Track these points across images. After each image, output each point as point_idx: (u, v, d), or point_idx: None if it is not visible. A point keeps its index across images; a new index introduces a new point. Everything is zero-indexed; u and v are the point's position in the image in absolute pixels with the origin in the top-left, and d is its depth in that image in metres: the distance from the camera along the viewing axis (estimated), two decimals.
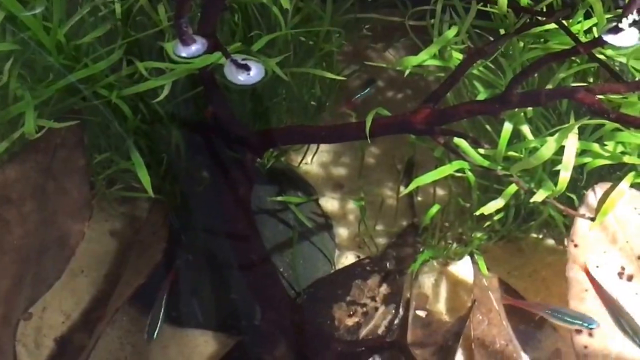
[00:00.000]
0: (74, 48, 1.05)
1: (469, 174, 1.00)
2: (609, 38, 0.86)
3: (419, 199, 1.15)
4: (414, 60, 1.00)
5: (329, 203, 1.16)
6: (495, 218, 1.04)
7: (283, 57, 1.02)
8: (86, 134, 1.09)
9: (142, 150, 1.09)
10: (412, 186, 1.00)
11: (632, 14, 0.89)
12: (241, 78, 0.96)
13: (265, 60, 0.98)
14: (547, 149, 0.91)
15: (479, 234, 1.08)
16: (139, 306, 1.06)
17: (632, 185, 1.00)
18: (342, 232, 1.14)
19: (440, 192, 1.10)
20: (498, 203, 0.97)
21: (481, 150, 1.00)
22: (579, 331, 0.95)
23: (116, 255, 1.13)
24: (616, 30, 0.86)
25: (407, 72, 1.01)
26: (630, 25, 0.86)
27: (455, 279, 1.09)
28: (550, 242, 1.10)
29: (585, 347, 0.99)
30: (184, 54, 0.92)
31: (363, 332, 1.02)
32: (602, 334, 0.98)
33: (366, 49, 1.27)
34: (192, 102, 1.11)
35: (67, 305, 1.11)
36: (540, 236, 1.10)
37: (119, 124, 1.11)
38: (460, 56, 1.02)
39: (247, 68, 0.92)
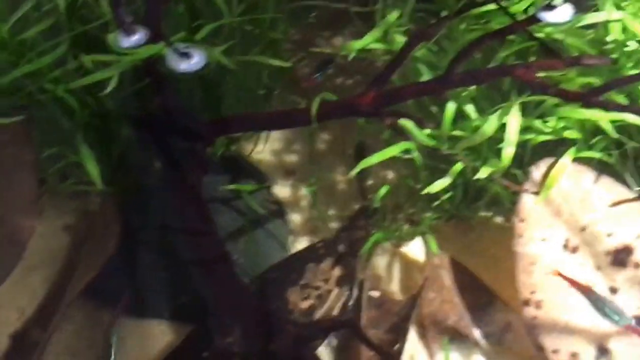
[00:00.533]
0: (19, 43, 1.07)
1: (416, 154, 1.03)
2: (543, 15, 0.89)
3: (370, 182, 1.18)
4: (357, 44, 1.04)
5: (282, 190, 1.19)
6: (444, 197, 1.08)
7: (228, 46, 1.04)
8: (35, 130, 1.11)
9: (93, 144, 1.11)
10: (358, 168, 1.04)
11: None
12: (183, 66, 0.97)
13: (210, 49, 1.01)
14: (489, 127, 0.95)
15: (429, 214, 1.11)
16: (94, 300, 1.07)
17: (574, 160, 1.03)
18: (295, 218, 1.17)
19: (390, 174, 1.14)
20: (444, 182, 1.01)
21: (427, 131, 1.04)
22: (526, 303, 0.98)
23: (69, 250, 1.14)
24: (550, 7, 0.90)
25: (351, 56, 1.04)
26: (565, 1, 0.90)
27: (407, 259, 1.13)
28: (499, 219, 1.13)
29: (534, 318, 1.03)
30: (126, 45, 0.94)
31: (318, 315, 1.06)
32: (549, 306, 1.02)
33: (315, 37, 1.30)
34: (141, 94, 1.13)
35: (21, 301, 1.12)
36: (490, 214, 1.13)
37: (69, 119, 1.13)
38: (403, 39, 1.04)
39: (188, 56, 0.93)
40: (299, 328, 1.01)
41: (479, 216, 1.14)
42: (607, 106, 0.91)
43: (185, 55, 0.93)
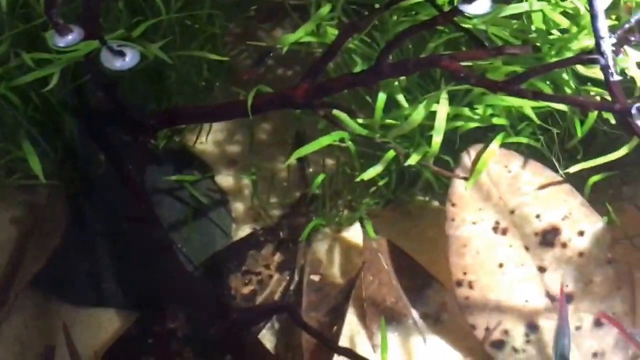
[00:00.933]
0: None
1: (350, 143, 1.07)
2: (464, 7, 0.94)
3: (311, 170, 1.22)
4: (292, 37, 1.07)
5: (224, 179, 1.24)
6: (380, 183, 1.14)
7: (167, 41, 1.07)
8: None
9: (37, 139, 1.15)
10: (293, 157, 1.08)
11: None
12: (117, 64, 1.00)
13: (148, 45, 1.05)
14: (417, 115, 0.99)
15: (366, 200, 1.15)
16: (43, 290, 1.10)
17: (503, 145, 1.07)
18: (238, 207, 1.22)
19: (329, 162, 1.18)
20: (377, 169, 1.04)
21: (360, 120, 1.08)
22: (459, 284, 1.03)
23: (17, 243, 1.18)
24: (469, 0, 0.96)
25: (285, 49, 1.07)
26: None
27: (347, 243, 1.17)
28: (436, 204, 1.17)
29: (467, 298, 1.08)
30: (61, 44, 0.97)
31: (259, 299, 1.11)
32: (481, 286, 1.07)
33: (256, 30, 1.33)
34: (84, 89, 1.17)
35: None
36: (427, 199, 1.17)
37: (13, 115, 1.16)
38: (336, 31, 1.08)
39: (122, 54, 0.97)
40: (240, 313, 1.06)
41: (416, 201, 1.18)
42: (526, 94, 0.96)
43: (119, 53, 0.96)
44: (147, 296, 1.15)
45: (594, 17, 0.98)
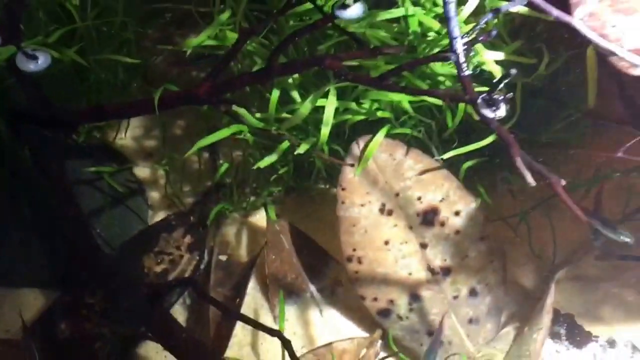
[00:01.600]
0: None
1: (248, 135, 1.18)
2: (339, 12, 1.07)
3: (221, 161, 1.31)
4: (194, 41, 1.16)
5: (142, 171, 1.35)
6: (281, 172, 1.24)
7: (80, 46, 1.17)
8: None
9: None
10: (195, 148, 1.15)
11: None
12: (31, 66, 1.09)
13: (64, 50, 1.15)
14: (305, 108, 1.10)
15: (269, 187, 1.27)
16: None
17: (390, 136, 1.18)
18: (154, 195, 1.33)
19: (237, 154, 1.30)
20: (272, 157, 1.15)
21: (258, 114, 1.19)
22: (350, 260, 1.14)
23: None
24: (344, 5, 1.07)
25: (188, 51, 1.16)
26: (355, 0, 1.06)
27: (253, 227, 1.29)
28: (335, 191, 1.33)
29: (356, 272, 1.19)
30: None
31: (171, 277, 1.22)
32: (369, 261, 1.19)
33: (173, 34, 1.41)
34: (8, 89, 1.26)
35: None
36: (327, 186, 1.29)
37: None
38: (236, 35, 1.17)
39: (35, 58, 1.06)
40: (150, 288, 1.15)
41: (318, 188, 1.30)
42: (394, 88, 1.09)
43: (33, 57, 1.05)
44: (67, 276, 1.22)
45: (448, 19, 1.08)
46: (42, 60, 1.07)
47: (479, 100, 1.05)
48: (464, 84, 1.03)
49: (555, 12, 1.06)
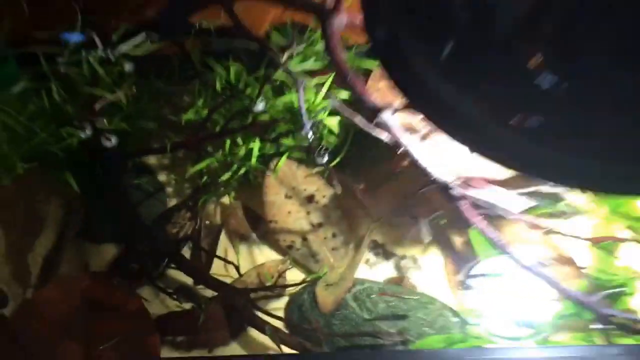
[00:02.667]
0: None
1: (216, 163, 1.83)
2: (255, 108, 1.91)
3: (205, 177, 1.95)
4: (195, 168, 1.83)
5: (162, 177, 1.97)
6: (236, 178, 2.09)
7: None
8: None
9: None
10: (190, 171, 1.83)
11: None
12: (108, 144, 1.68)
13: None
14: (242, 150, 1.92)
15: (231, 185, 2.13)
16: None
17: (289, 158, 1.85)
18: (169, 191, 1.95)
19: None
20: (227, 174, 1.88)
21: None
22: (271, 221, 1.88)
23: None
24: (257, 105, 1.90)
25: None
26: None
27: (223, 206, 1.97)
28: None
29: (274, 227, 2.00)
30: None
31: (180, 235, 1.90)
32: (281, 222, 2.05)
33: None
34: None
35: None
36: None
37: None
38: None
39: (110, 139, 1.67)
40: (172, 242, 1.83)
41: (258, 183, 2.14)
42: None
43: (109, 139, 1.66)
44: (130, 236, 1.83)
45: (300, 108, 1.65)
46: (115, 141, 1.68)
47: (315, 153, 1.78)
48: (311, 150, 1.64)
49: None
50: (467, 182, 1.49)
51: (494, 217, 1.64)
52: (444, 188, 1.55)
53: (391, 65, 1.16)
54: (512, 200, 1.56)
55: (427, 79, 1.15)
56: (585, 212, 1.83)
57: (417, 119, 1.73)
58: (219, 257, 1.85)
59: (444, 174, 1.58)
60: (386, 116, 1.48)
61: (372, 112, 1.50)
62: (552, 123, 1.15)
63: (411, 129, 1.67)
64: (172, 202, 1.97)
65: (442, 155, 1.57)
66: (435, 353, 1.55)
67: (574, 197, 1.84)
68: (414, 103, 1.15)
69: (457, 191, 1.52)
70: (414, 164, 1.61)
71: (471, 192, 1.49)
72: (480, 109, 1.14)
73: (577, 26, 1.05)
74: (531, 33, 1.06)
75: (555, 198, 1.79)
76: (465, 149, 1.18)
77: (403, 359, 1.48)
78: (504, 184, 1.65)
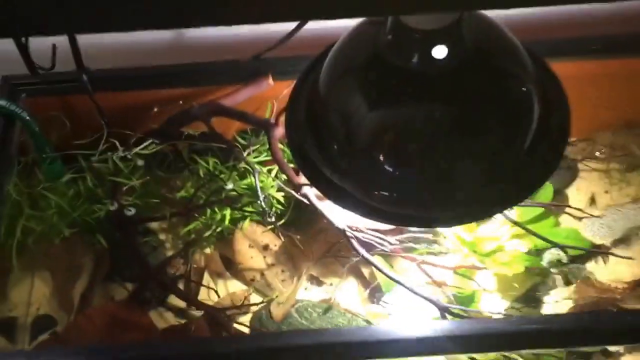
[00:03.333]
0: None
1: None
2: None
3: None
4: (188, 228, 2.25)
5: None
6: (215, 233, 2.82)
7: None
8: None
9: None
10: (188, 227, 2.30)
11: None
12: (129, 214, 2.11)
13: None
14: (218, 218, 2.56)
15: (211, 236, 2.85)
16: None
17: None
18: (162, 237, 2.37)
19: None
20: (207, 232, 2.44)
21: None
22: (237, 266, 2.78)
23: None
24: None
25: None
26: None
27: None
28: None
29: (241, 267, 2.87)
30: None
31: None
32: (244, 263, 2.87)
33: None
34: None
35: None
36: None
37: None
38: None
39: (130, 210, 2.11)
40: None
41: (229, 238, 2.93)
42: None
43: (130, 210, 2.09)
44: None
45: (256, 187, 2.59)
46: (133, 211, 2.21)
47: (268, 216, 2.55)
48: (265, 214, 2.39)
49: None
50: (358, 229, 2.25)
51: (384, 254, 2.40)
52: (344, 234, 2.30)
53: (300, 160, 1.69)
54: (386, 240, 2.30)
55: (320, 169, 1.67)
56: (452, 250, 2.61)
57: None
58: (205, 285, 2.37)
59: (342, 224, 2.31)
60: (306, 190, 2.31)
61: (297, 188, 2.33)
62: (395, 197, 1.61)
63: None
64: (170, 252, 2.48)
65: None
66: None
67: (444, 240, 2.63)
68: (313, 184, 1.73)
69: (351, 234, 2.27)
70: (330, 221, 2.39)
71: (360, 235, 2.24)
72: (353, 188, 1.64)
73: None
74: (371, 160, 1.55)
75: (429, 241, 2.56)
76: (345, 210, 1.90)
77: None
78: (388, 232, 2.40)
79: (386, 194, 1.62)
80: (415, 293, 2.06)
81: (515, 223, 2.21)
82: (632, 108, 2.37)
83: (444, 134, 1.54)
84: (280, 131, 2.16)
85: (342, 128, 1.61)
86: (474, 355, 2.02)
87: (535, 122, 1.59)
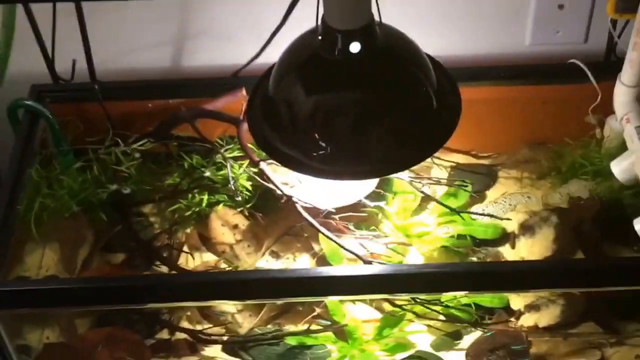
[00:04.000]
0: None
1: None
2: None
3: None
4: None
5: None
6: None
7: None
8: None
9: None
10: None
11: None
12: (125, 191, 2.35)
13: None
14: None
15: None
16: None
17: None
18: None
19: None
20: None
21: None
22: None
23: None
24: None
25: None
26: None
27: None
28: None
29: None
30: None
31: None
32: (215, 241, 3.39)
33: None
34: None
35: None
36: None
37: None
38: None
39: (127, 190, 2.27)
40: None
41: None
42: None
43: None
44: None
45: (229, 176, 2.47)
46: (129, 190, 2.50)
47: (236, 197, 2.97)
48: (235, 198, 2.72)
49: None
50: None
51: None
52: (291, 199, 2.56)
53: (259, 139, 2.04)
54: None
55: (274, 144, 1.99)
56: (388, 234, 2.63)
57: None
58: (184, 251, 2.69)
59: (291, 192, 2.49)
60: (263, 165, 2.90)
61: (256, 164, 2.88)
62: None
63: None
64: (157, 230, 2.76)
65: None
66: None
67: (382, 226, 2.69)
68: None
69: (297, 200, 2.50)
70: (289, 201, 2.91)
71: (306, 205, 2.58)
72: (298, 154, 1.93)
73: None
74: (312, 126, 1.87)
75: (367, 225, 2.68)
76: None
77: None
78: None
79: (321, 153, 1.96)
80: (347, 249, 2.43)
81: (437, 201, 2.65)
82: (543, 128, 2.76)
83: (361, 108, 1.91)
84: (246, 125, 2.71)
85: (287, 110, 1.98)
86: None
87: (434, 99, 1.97)
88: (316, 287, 2.17)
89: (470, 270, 2.22)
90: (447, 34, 2.61)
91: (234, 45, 2.61)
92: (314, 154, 1.93)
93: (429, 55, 2.00)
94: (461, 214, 2.50)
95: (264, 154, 2.41)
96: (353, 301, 2.43)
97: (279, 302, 2.46)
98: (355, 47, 1.93)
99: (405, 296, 2.36)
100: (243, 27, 2.58)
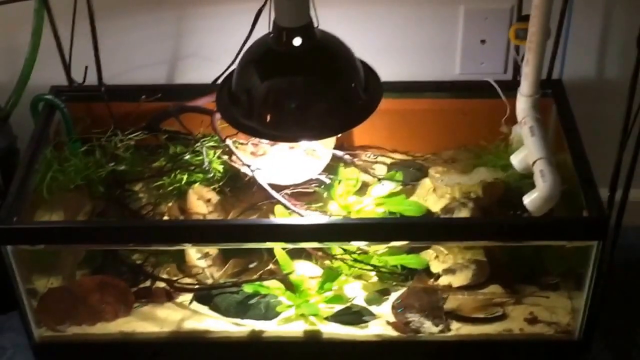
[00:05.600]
0: None
1: None
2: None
3: None
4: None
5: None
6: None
7: None
8: None
9: None
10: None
11: None
12: None
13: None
14: None
15: None
16: None
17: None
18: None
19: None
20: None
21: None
22: None
23: None
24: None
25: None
26: None
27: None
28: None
29: None
30: None
31: None
32: None
33: None
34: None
35: None
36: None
37: None
38: None
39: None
40: None
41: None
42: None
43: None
44: None
45: (204, 160, 2.97)
46: (124, 167, 2.93)
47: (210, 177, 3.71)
48: (209, 177, 3.06)
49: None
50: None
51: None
52: (229, 145, 2.95)
53: (226, 116, 2.53)
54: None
55: (237, 119, 2.49)
56: (335, 212, 2.92)
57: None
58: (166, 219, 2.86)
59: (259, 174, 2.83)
60: (228, 142, 3.12)
61: (223, 141, 3.00)
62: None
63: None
64: (144, 202, 3.07)
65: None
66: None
67: (329, 205, 2.92)
68: (233, 126, 2.47)
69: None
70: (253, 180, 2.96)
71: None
72: (254, 123, 2.46)
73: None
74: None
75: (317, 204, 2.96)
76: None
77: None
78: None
79: (272, 121, 2.45)
80: (288, 208, 2.81)
81: (374, 176, 3.05)
82: (465, 134, 3.12)
83: (302, 88, 2.38)
84: (218, 115, 2.81)
85: (246, 92, 2.49)
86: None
87: (359, 85, 2.40)
88: (263, 233, 2.61)
89: (399, 223, 2.76)
90: (391, 63, 2.90)
91: (220, 66, 3.00)
92: (267, 121, 2.43)
93: (361, 60, 2.46)
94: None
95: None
96: (299, 255, 2.79)
97: (233, 246, 2.85)
98: (297, 41, 2.34)
99: (339, 244, 2.73)
100: (226, 52, 2.93)
